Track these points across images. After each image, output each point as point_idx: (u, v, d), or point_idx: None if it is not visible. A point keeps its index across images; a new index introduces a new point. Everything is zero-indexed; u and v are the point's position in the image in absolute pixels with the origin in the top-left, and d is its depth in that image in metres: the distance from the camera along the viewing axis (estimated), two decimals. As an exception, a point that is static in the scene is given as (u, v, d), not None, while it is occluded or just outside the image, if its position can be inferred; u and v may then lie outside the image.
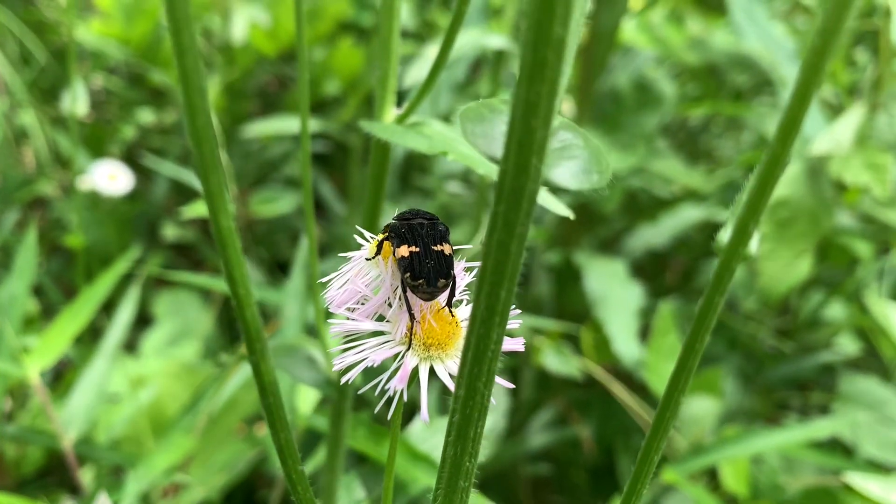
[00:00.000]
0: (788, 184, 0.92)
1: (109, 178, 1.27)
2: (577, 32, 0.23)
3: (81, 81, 1.07)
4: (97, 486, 0.86)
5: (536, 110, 0.20)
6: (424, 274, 0.29)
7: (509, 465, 1.12)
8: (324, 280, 0.31)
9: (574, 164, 0.23)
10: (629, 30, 1.09)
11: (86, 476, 0.90)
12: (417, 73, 0.75)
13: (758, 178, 0.20)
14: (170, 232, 1.37)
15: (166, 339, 1.23)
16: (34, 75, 1.44)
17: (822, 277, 1.20)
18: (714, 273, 0.22)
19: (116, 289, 1.08)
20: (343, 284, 0.30)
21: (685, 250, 1.34)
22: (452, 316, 0.30)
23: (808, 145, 0.91)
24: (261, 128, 1.27)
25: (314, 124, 1.28)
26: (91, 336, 1.10)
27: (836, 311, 1.22)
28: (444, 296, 0.30)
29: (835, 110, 1.14)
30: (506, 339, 0.26)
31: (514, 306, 0.25)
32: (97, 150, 1.43)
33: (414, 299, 0.29)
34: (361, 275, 0.30)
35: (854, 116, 0.89)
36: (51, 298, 1.26)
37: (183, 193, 1.44)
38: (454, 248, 0.32)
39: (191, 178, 1.30)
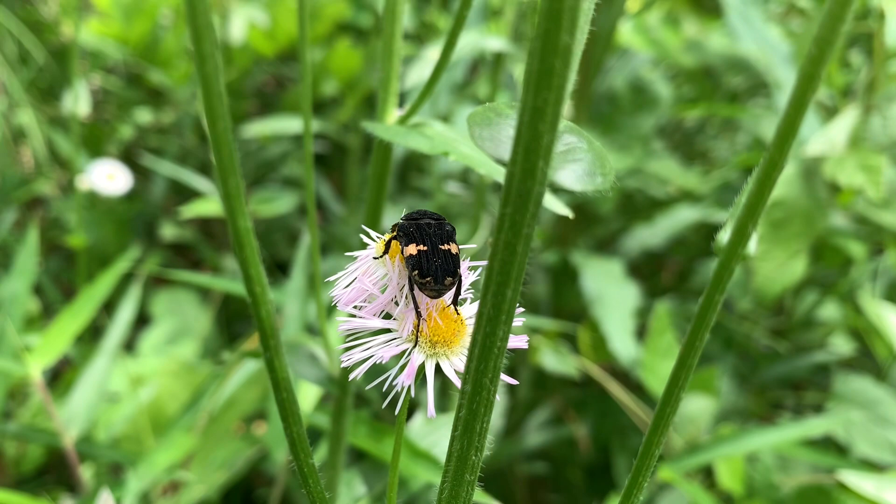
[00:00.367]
0: (783, 185, 0.93)
1: (108, 177, 1.28)
2: (581, 41, 0.24)
3: (82, 84, 1.08)
4: (97, 484, 0.87)
5: (543, 116, 0.21)
6: (432, 272, 0.30)
7: (506, 463, 1.13)
8: (330, 279, 0.32)
9: (578, 166, 0.23)
10: (626, 32, 1.10)
11: (85, 475, 0.90)
12: (418, 74, 0.76)
13: (756, 180, 0.21)
14: (168, 232, 1.37)
15: (164, 339, 1.23)
16: (32, 75, 1.45)
17: (816, 278, 1.21)
18: (714, 272, 0.22)
19: (115, 289, 1.09)
20: (350, 283, 0.31)
21: (681, 251, 1.35)
22: (458, 314, 0.31)
23: (803, 147, 0.92)
24: (259, 128, 1.27)
25: (312, 124, 1.29)
26: (91, 335, 1.10)
27: (830, 311, 1.23)
28: (449, 294, 0.31)
29: (829, 112, 1.15)
30: (510, 336, 0.27)
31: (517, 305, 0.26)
32: (95, 149, 1.43)
33: (420, 297, 0.30)
34: (369, 273, 0.31)
35: (848, 118, 0.90)
36: (50, 298, 1.26)
37: (181, 193, 1.44)
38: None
39: (189, 178, 1.30)
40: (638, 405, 1.00)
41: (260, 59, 1.48)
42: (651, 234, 1.22)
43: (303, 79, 0.49)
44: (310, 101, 0.49)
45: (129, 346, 1.22)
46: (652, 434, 0.28)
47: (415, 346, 0.29)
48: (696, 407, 0.96)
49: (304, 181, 1.40)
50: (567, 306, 1.14)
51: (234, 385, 0.84)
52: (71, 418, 0.77)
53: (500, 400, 0.98)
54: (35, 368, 0.76)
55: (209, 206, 1.26)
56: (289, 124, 1.27)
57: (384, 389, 0.28)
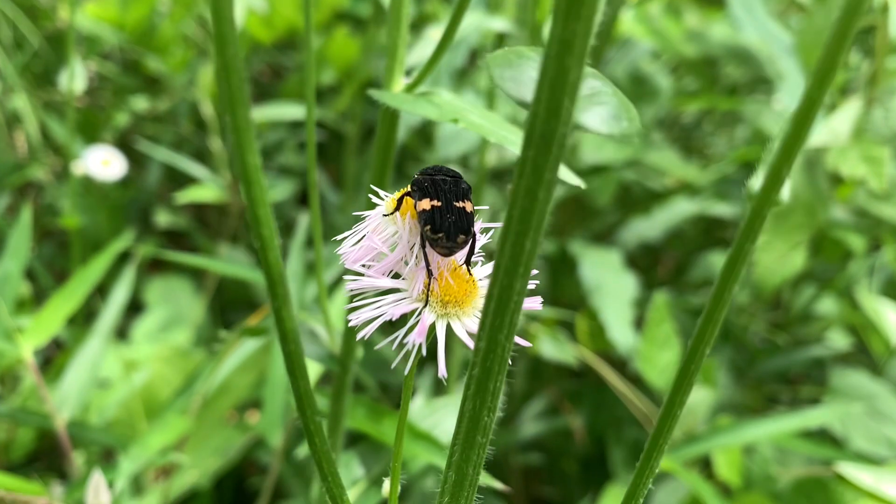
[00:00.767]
0: (785, 175, 0.93)
1: (103, 163, 1.26)
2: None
3: (78, 62, 1.06)
4: (88, 470, 0.86)
5: (571, 49, 0.20)
6: (445, 228, 0.29)
7: (501, 454, 1.12)
8: (338, 237, 0.31)
9: (604, 109, 0.22)
10: (627, 21, 1.09)
11: (76, 462, 0.89)
12: (420, 53, 0.75)
13: (793, 119, 0.20)
14: (162, 218, 1.36)
15: (158, 327, 1.22)
16: (27, 59, 1.43)
17: (814, 272, 1.20)
18: (744, 221, 0.21)
19: (108, 275, 1.07)
20: (359, 241, 0.30)
21: (678, 244, 1.35)
22: (470, 274, 0.30)
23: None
24: (256, 114, 1.26)
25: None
26: (84, 320, 1.09)
27: (827, 306, 1.23)
28: (462, 254, 0.30)
29: (828, 109, 1.15)
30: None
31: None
32: (90, 136, 1.42)
33: (432, 255, 0.29)
34: (378, 231, 0.30)
35: (851, 109, 0.89)
36: (42, 284, 1.25)
37: (176, 181, 1.43)
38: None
39: (185, 164, 1.29)
40: (635, 395, 0.99)
41: (257, 46, 1.46)
42: (648, 227, 1.22)
43: (306, 63, 0.48)
44: (314, 86, 0.49)
45: (122, 333, 1.20)
46: (659, 428, 0.28)
47: (425, 306, 0.29)
48: (695, 398, 0.95)
49: (299, 170, 1.39)
50: (565, 296, 1.13)
51: (229, 368, 0.83)
52: (63, 400, 0.76)
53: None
54: (27, 349, 0.75)
55: (205, 192, 1.25)
56: (286, 111, 1.26)
57: (394, 348, 0.28)
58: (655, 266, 1.38)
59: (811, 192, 0.92)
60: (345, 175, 1.36)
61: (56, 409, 0.75)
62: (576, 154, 1.06)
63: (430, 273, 0.29)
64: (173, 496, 0.90)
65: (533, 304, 0.29)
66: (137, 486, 0.90)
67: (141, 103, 1.48)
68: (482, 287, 0.30)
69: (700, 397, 0.96)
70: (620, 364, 1.08)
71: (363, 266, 0.30)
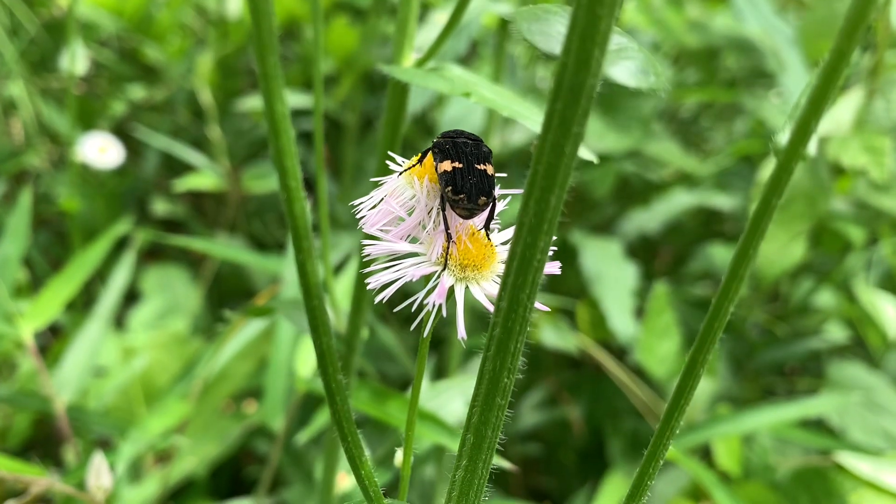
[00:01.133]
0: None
1: (100, 150, 1.26)
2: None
3: (79, 43, 1.06)
4: (86, 457, 0.85)
5: (603, -2, 0.20)
6: (466, 189, 0.29)
7: (499, 444, 1.12)
8: (355, 202, 0.31)
9: (632, 63, 0.22)
10: (629, 10, 1.09)
11: (71, 452, 0.88)
12: (425, 37, 0.74)
13: (822, 73, 0.20)
14: (160, 207, 1.35)
15: (155, 315, 1.21)
16: (23, 47, 1.42)
17: (812, 265, 1.21)
18: (771, 176, 0.21)
19: (106, 263, 1.07)
20: (377, 204, 0.30)
21: (676, 237, 1.35)
22: (489, 239, 0.30)
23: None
24: (255, 102, 1.25)
25: (307, 101, 1.27)
26: (83, 308, 1.08)
27: (825, 298, 1.23)
28: (480, 218, 0.30)
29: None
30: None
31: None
32: (87, 124, 1.41)
33: (451, 219, 0.29)
34: (396, 195, 0.30)
35: (854, 99, 0.89)
36: (38, 272, 1.24)
37: (173, 170, 1.42)
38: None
39: (182, 152, 1.28)
40: (635, 384, 0.99)
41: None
42: (648, 218, 1.21)
43: (314, 50, 0.48)
44: (321, 73, 0.48)
45: (119, 322, 1.20)
46: (667, 417, 0.28)
47: (444, 269, 0.28)
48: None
49: (300, 159, 1.38)
50: (565, 286, 1.13)
51: (229, 354, 0.82)
52: (63, 383, 0.75)
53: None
54: (27, 331, 0.74)
55: (203, 180, 1.24)
56: (287, 99, 1.25)
57: (413, 310, 0.27)
58: (654, 258, 1.38)
59: (812, 181, 0.92)
60: (344, 164, 1.36)
61: (56, 393, 0.75)
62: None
63: (449, 236, 0.29)
64: (171, 483, 0.89)
65: (552, 268, 0.29)
66: (136, 472, 0.89)
67: (138, 92, 1.47)
68: (500, 252, 0.30)
69: (700, 387, 0.96)
70: (619, 355, 1.08)
71: (381, 231, 0.29)
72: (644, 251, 1.35)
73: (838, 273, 1.20)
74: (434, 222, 0.29)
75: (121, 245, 1.10)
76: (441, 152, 0.30)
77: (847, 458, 0.86)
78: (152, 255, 1.39)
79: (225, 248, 0.86)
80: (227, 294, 1.35)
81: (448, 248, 0.28)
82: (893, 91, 0.96)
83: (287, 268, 0.74)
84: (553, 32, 0.23)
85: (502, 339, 0.25)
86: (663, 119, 1.43)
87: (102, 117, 1.44)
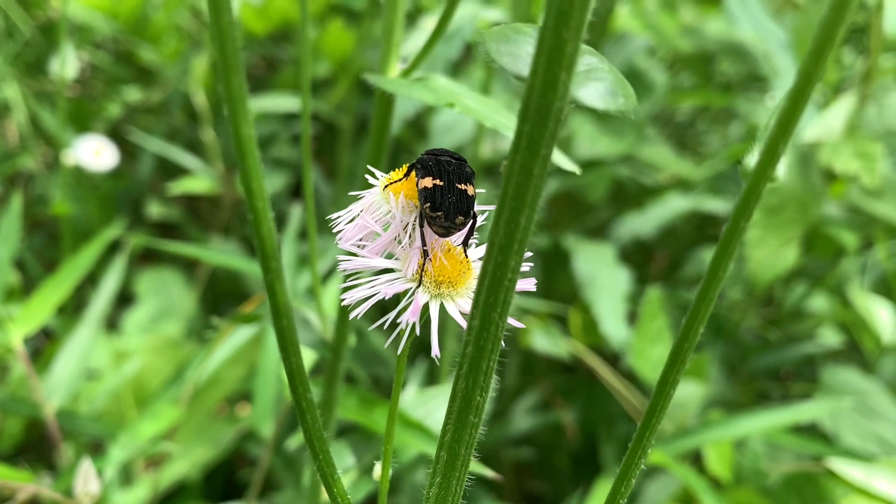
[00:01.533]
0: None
1: (94, 153, 1.26)
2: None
3: (70, 48, 1.05)
4: (76, 460, 0.85)
5: (568, 21, 0.20)
6: (444, 207, 0.29)
7: (492, 449, 1.12)
8: (332, 216, 0.31)
9: (601, 85, 0.22)
10: (623, 15, 1.09)
11: (63, 457, 0.88)
12: (414, 44, 0.74)
13: (790, 94, 0.20)
14: (154, 210, 1.35)
15: (148, 318, 1.21)
16: (18, 49, 1.42)
17: (806, 269, 1.21)
18: (740, 198, 0.21)
19: (98, 266, 1.07)
20: (353, 219, 0.30)
21: (671, 242, 1.35)
22: (466, 256, 0.30)
23: (800, 133, 0.91)
24: (250, 105, 1.25)
25: (300, 104, 1.27)
26: (74, 311, 1.08)
27: (818, 303, 1.23)
28: (459, 236, 0.30)
29: (821, 106, 1.15)
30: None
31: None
32: (81, 126, 1.41)
33: (427, 236, 0.29)
34: (371, 210, 0.30)
35: (845, 104, 0.89)
36: (32, 274, 1.24)
37: (168, 172, 1.42)
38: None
39: (177, 155, 1.28)
40: (628, 389, 0.99)
41: (251, 38, 1.46)
42: (642, 223, 1.21)
43: (302, 52, 0.48)
44: (309, 77, 0.48)
45: (113, 325, 1.20)
46: (650, 411, 0.27)
47: (419, 286, 0.28)
48: (686, 392, 0.95)
49: (293, 162, 1.38)
50: (557, 291, 1.13)
51: (220, 359, 0.82)
52: (53, 388, 0.75)
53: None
54: (16, 336, 0.74)
55: (197, 183, 1.24)
56: (280, 103, 1.25)
57: (385, 327, 0.27)
58: (648, 262, 1.38)
59: (804, 187, 0.92)
60: (338, 167, 1.35)
61: (45, 398, 0.75)
62: (569, 148, 1.05)
63: (425, 253, 0.29)
64: (163, 487, 0.89)
65: (527, 285, 0.29)
66: (127, 476, 0.89)
67: (133, 94, 1.47)
68: (476, 268, 0.30)
69: (692, 392, 0.96)
70: (613, 360, 1.08)
71: (357, 246, 0.29)
72: (639, 256, 1.35)
73: (832, 278, 1.20)
74: (410, 238, 0.29)
75: (115, 248, 1.09)
76: (423, 169, 0.30)
77: (839, 464, 0.85)
78: (147, 258, 1.39)
79: (217, 254, 0.86)
80: (222, 297, 1.35)
81: (423, 264, 0.28)
82: (886, 96, 0.96)
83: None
84: (522, 54, 0.23)
85: (475, 358, 0.25)
86: (659, 123, 1.43)
87: (97, 119, 1.44)
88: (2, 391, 0.94)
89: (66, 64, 0.95)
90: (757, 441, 0.95)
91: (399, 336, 0.28)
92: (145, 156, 1.43)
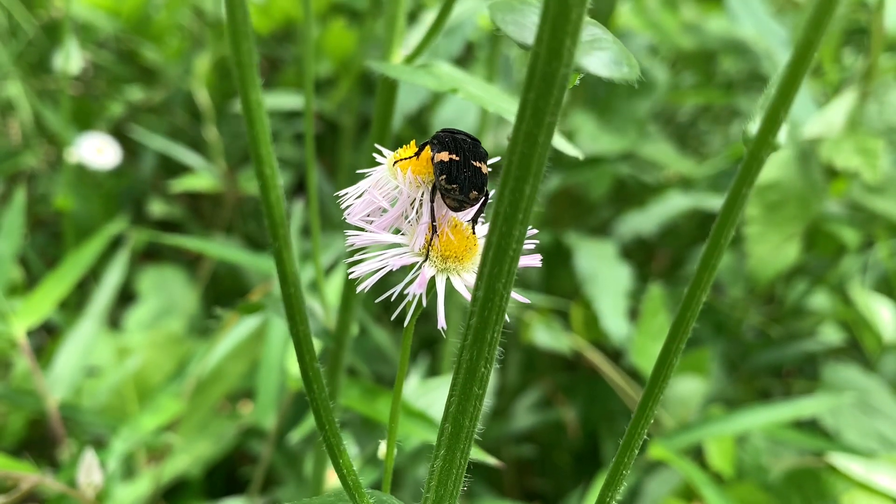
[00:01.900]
0: (779, 167, 0.93)
1: (97, 151, 1.26)
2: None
3: (74, 42, 1.06)
4: (79, 455, 0.85)
5: (574, -13, 0.20)
6: (460, 181, 0.29)
7: (493, 446, 1.12)
8: (340, 193, 0.31)
9: (605, 54, 0.23)
10: (624, 13, 1.10)
11: (65, 453, 0.89)
12: (417, 36, 0.75)
13: (789, 63, 0.20)
14: (156, 208, 1.36)
15: (151, 316, 1.21)
16: (21, 48, 1.43)
17: (807, 267, 1.21)
18: (742, 165, 0.21)
19: (101, 263, 1.07)
20: (361, 195, 0.30)
21: (672, 239, 1.35)
22: (473, 232, 0.30)
23: (800, 129, 0.92)
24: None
25: (302, 103, 1.27)
26: (76, 308, 1.08)
27: (820, 301, 1.23)
28: (468, 212, 0.30)
29: (821, 104, 1.15)
30: (521, 256, 0.26)
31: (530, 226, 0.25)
32: (84, 125, 1.41)
33: (437, 210, 0.30)
34: (380, 185, 0.30)
35: (846, 100, 0.90)
36: (34, 272, 1.24)
37: (171, 171, 1.43)
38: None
39: (180, 153, 1.29)
40: (630, 386, 0.99)
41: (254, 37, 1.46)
42: (643, 221, 1.22)
43: (304, 52, 0.48)
44: (312, 75, 0.49)
45: (115, 322, 1.20)
46: (645, 400, 0.28)
47: (426, 259, 0.29)
48: (687, 388, 0.96)
49: (295, 161, 1.39)
50: (559, 288, 1.13)
51: (222, 353, 0.82)
52: (56, 381, 0.76)
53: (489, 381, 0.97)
54: (19, 329, 0.74)
55: (199, 181, 1.24)
56: (283, 100, 1.25)
57: (393, 299, 0.28)
58: (650, 260, 1.38)
59: (805, 183, 0.92)
60: (340, 166, 1.36)
61: (48, 391, 0.75)
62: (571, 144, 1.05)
63: (434, 228, 0.29)
64: (164, 482, 0.90)
65: (532, 261, 0.29)
66: (129, 469, 0.89)
67: (136, 93, 1.48)
68: (482, 244, 0.30)
69: (693, 388, 0.96)
70: (615, 357, 1.08)
71: (365, 221, 0.30)
72: (640, 254, 1.36)
73: (833, 276, 1.20)
74: (417, 213, 0.30)
75: (117, 245, 1.10)
76: (440, 143, 0.31)
77: (840, 460, 0.86)
78: (149, 255, 1.39)
79: (219, 247, 0.86)
80: (224, 295, 1.35)
81: (430, 239, 0.29)
82: (887, 93, 0.96)
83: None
84: (527, 23, 0.23)
85: (479, 329, 0.26)
86: (661, 122, 1.43)
87: (100, 118, 1.45)
88: (5, 385, 0.95)
89: (70, 59, 0.95)
90: (758, 436, 0.95)
91: (405, 310, 0.28)
92: (148, 154, 1.44)
